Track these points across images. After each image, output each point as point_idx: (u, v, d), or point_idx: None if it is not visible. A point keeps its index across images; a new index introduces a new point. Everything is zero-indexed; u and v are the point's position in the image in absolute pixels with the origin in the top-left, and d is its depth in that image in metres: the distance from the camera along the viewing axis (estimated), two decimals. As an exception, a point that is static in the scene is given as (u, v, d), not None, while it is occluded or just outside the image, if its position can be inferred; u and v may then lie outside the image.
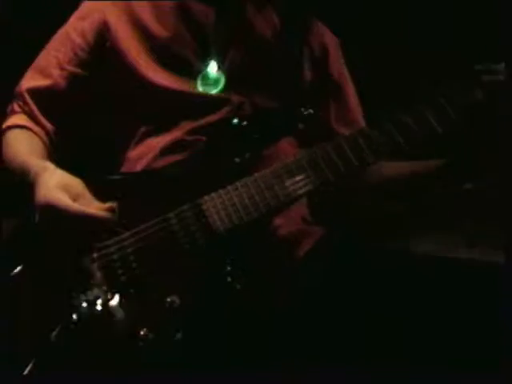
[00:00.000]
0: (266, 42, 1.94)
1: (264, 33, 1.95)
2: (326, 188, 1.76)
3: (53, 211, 1.61)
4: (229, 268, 1.67)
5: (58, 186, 1.63)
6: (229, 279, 1.66)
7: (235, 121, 1.79)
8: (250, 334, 1.74)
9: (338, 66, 2.06)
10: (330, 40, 2.05)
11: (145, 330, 1.61)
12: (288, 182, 1.70)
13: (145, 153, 1.85)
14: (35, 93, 1.88)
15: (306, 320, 1.76)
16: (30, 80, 1.90)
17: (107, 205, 1.64)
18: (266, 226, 1.80)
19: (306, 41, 1.98)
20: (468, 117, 1.71)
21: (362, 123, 2.04)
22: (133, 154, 1.88)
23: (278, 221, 1.83)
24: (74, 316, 1.62)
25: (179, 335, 1.60)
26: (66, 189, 1.63)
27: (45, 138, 1.88)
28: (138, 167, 1.84)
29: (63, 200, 1.61)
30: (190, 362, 1.63)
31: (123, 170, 1.88)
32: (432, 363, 1.65)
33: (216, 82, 1.85)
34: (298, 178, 1.70)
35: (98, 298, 1.64)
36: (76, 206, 1.61)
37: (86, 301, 1.63)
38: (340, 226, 2.09)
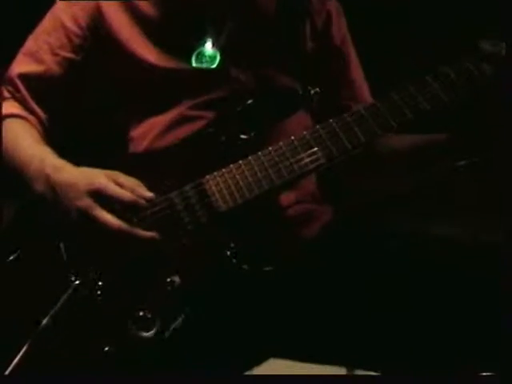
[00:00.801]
0: (267, 13, 1.89)
1: (264, 3, 1.89)
2: (332, 165, 1.72)
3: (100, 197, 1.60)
4: (232, 248, 1.63)
5: (98, 172, 1.64)
6: (233, 260, 1.62)
7: (239, 97, 1.75)
8: (256, 318, 1.69)
9: (341, 35, 1.99)
10: (333, 7, 1.98)
11: (144, 311, 1.57)
12: (292, 159, 1.66)
13: (148, 131, 1.81)
14: (27, 79, 1.83)
15: (310, 308, 1.72)
16: (21, 65, 1.84)
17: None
18: (272, 205, 1.75)
19: (308, 10, 1.92)
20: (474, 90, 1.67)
21: (366, 92, 2.00)
22: (136, 133, 1.83)
23: (287, 198, 1.79)
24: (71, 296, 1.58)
25: (179, 317, 1.56)
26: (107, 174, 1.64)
27: (39, 126, 1.83)
28: (143, 146, 1.80)
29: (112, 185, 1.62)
30: (191, 346, 1.59)
31: (128, 150, 1.84)
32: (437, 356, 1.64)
33: (212, 58, 1.80)
34: (302, 155, 1.66)
35: (94, 279, 1.61)
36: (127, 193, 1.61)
37: (83, 282, 1.60)
38: (347, 204, 2.05)
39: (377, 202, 2.14)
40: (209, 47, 1.82)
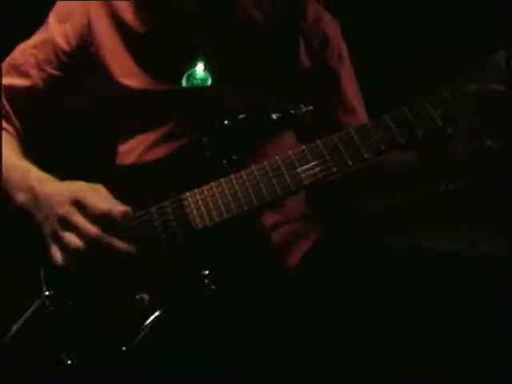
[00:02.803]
0: (258, 32, 1.85)
1: (256, 22, 1.85)
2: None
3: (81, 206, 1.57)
4: (206, 268, 1.58)
5: (81, 183, 1.62)
6: (205, 280, 1.57)
7: (227, 116, 1.71)
8: (226, 341, 1.64)
9: (338, 54, 1.94)
10: (330, 26, 1.93)
11: (112, 325, 1.54)
12: (275, 180, 1.61)
13: (136, 146, 1.79)
14: (11, 91, 1.81)
15: (295, 326, 1.67)
16: (6, 76, 1.81)
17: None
18: (255, 225, 1.70)
19: (302, 30, 1.87)
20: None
21: (362, 113, 1.94)
22: (123, 147, 1.82)
23: (273, 218, 1.75)
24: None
25: (144, 333, 1.52)
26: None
27: (17, 138, 1.82)
28: (129, 160, 1.78)
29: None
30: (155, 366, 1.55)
31: (114, 163, 1.82)
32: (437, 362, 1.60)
33: (203, 80, 1.78)
34: (285, 177, 1.60)
35: (65, 291, 1.59)
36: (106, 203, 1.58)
37: (53, 294, 1.58)
38: (338, 219, 1.98)
39: (367, 216, 2.06)
40: (200, 69, 1.79)
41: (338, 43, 1.93)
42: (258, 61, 1.81)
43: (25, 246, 1.64)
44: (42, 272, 1.61)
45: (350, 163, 1.59)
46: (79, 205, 1.58)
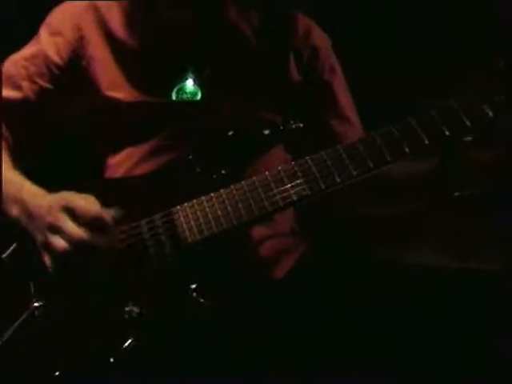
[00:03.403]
0: (248, 46, 1.87)
1: (245, 37, 1.88)
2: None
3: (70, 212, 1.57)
4: (195, 281, 1.59)
5: (71, 193, 1.62)
6: (194, 294, 1.58)
7: (218, 130, 1.73)
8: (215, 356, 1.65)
9: (330, 67, 1.96)
10: (320, 41, 1.95)
11: (100, 337, 1.55)
12: (264, 196, 1.62)
13: (125, 160, 1.81)
14: (2, 102, 1.80)
15: (284, 337, 1.68)
16: None
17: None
18: (243, 240, 1.72)
19: (291, 44, 1.90)
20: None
21: (357, 122, 1.96)
22: (113, 161, 1.84)
23: (262, 231, 1.77)
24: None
25: (132, 345, 1.53)
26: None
27: (8, 151, 1.81)
28: (119, 173, 1.81)
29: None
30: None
31: (104, 176, 1.84)
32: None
33: (193, 95, 1.80)
34: (274, 192, 1.62)
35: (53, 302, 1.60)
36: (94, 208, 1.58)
37: (42, 305, 1.59)
38: (326, 234, 2.00)
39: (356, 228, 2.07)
40: (190, 84, 1.81)
41: (329, 56, 1.96)
42: (247, 76, 1.84)
43: (15, 257, 1.65)
44: (31, 283, 1.62)
45: (338, 180, 1.61)
46: (68, 210, 1.58)
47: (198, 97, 1.80)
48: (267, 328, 1.68)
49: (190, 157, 1.70)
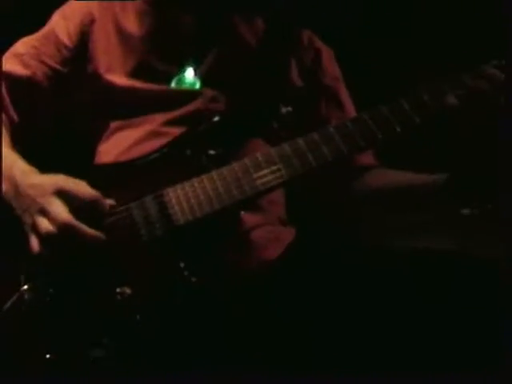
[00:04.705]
0: (248, 48, 1.90)
1: (247, 38, 1.91)
2: (297, 184, 1.70)
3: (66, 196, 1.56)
4: (185, 263, 1.58)
5: (64, 176, 1.61)
6: (185, 273, 1.57)
7: (210, 115, 1.74)
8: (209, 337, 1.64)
9: (333, 75, 2.00)
10: (323, 48, 2.00)
11: (90, 319, 1.53)
12: (256, 175, 1.63)
13: (116, 145, 1.80)
14: (10, 79, 1.83)
15: (269, 328, 1.66)
16: (7, 63, 1.83)
17: None
18: (235, 223, 1.71)
19: (294, 50, 1.93)
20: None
21: None
22: (103, 147, 1.83)
23: (253, 220, 1.77)
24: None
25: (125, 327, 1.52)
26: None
27: (10, 129, 1.82)
28: (108, 159, 1.79)
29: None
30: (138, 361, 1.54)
31: (94, 162, 1.83)
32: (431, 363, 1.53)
33: (192, 85, 1.82)
34: (265, 171, 1.63)
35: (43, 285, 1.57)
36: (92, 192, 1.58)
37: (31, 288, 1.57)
38: (318, 225, 2.00)
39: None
40: (190, 74, 1.83)
41: (332, 65, 1.99)
42: (246, 75, 1.84)
43: (3, 238, 1.62)
44: (20, 265, 1.60)
45: (330, 159, 1.62)
46: (61, 193, 1.57)
47: (197, 86, 1.82)
48: (257, 309, 1.67)
49: (180, 140, 1.71)
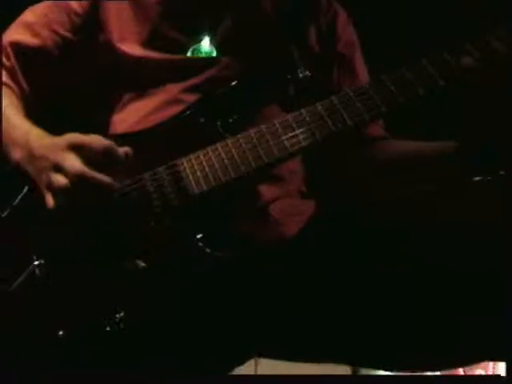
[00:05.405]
0: (264, 12, 1.82)
1: (262, 2, 1.83)
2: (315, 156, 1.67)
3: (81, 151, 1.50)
4: (201, 231, 1.52)
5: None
6: (200, 244, 1.51)
7: (223, 81, 1.67)
8: (230, 312, 1.58)
9: (348, 39, 1.92)
10: (339, 14, 1.92)
11: (103, 293, 1.48)
12: (272, 142, 1.56)
13: (130, 115, 1.74)
14: (20, 49, 1.77)
15: (290, 303, 1.60)
16: (15, 34, 1.78)
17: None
18: (253, 195, 1.65)
19: (312, 13, 1.86)
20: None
21: None
22: (117, 117, 1.77)
23: (272, 192, 1.71)
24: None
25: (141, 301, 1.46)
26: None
27: (21, 99, 1.76)
28: (122, 128, 1.73)
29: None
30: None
31: (109, 131, 1.76)
32: None
33: (208, 54, 1.76)
34: (283, 138, 1.56)
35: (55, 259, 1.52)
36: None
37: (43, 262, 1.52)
38: (337, 197, 1.93)
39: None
40: (206, 44, 1.76)
41: (347, 30, 1.92)
42: (262, 40, 1.78)
43: (14, 214, 1.58)
44: (31, 240, 1.55)
45: (350, 123, 1.55)
46: (75, 147, 1.52)
47: (213, 55, 1.75)
48: (274, 283, 1.61)
49: (194, 108, 1.64)
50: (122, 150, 1.53)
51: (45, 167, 1.52)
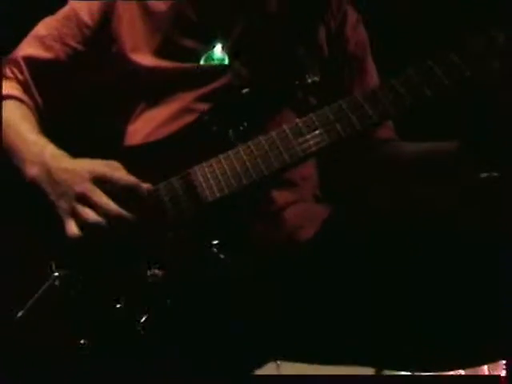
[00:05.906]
0: (275, 17, 1.83)
1: (273, 7, 1.84)
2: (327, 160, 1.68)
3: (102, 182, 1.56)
4: (215, 238, 1.55)
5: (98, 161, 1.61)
6: (215, 250, 1.54)
7: (235, 89, 1.70)
8: (246, 317, 1.60)
9: (358, 39, 1.93)
10: (349, 14, 1.92)
11: (123, 303, 1.51)
12: (283, 148, 1.58)
13: (144, 125, 1.77)
14: (33, 63, 1.80)
15: (305, 306, 1.62)
16: (29, 47, 1.81)
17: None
18: (266, 201, 1.68)
19: (322, 16, 1.87)
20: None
21: None
22: (132, 127, 1.79)
23: (286, 197, 1.73)
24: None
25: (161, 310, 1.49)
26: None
27: (35, 113, 1.79)
28: (137, 140, 1.75)
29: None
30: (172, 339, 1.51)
31: (122, 143, 1.79)
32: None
33: (220, 61, 1.77)
34: (293, 144, 1.58)
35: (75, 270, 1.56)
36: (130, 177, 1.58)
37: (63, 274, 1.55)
38: (350, 201, 1.94)
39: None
40: (218, 50, 1.78)
41: (357, 30, 1.93)
42: (273, 46, 1.79)
43: (34, 225, 1.61)
44: (51, 251, 1.58)
45: (359, 127, 1.57)
46: (99, 181, 1.56)
47: (225, 62, 1.76)
48: (286, 287, 1.63)
49: (206, 117, 1.67)
50: (144, 186, 1.57)
51: (66, 194, 1.56)
